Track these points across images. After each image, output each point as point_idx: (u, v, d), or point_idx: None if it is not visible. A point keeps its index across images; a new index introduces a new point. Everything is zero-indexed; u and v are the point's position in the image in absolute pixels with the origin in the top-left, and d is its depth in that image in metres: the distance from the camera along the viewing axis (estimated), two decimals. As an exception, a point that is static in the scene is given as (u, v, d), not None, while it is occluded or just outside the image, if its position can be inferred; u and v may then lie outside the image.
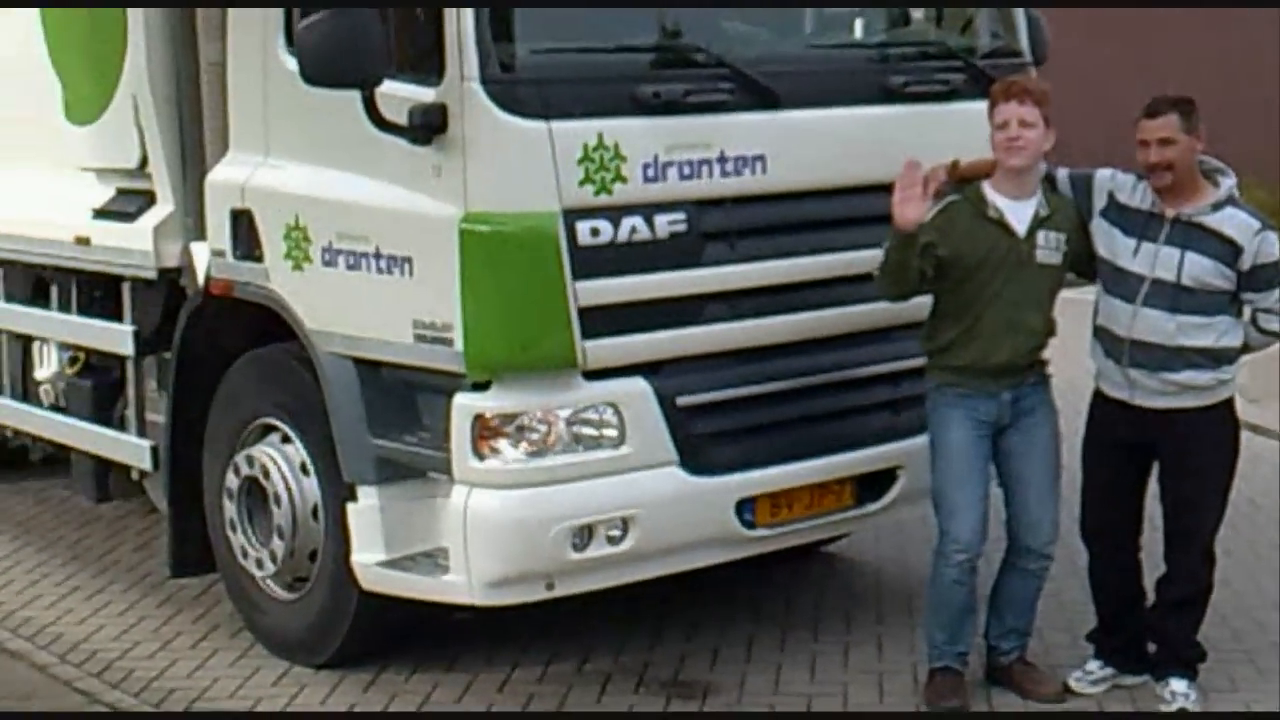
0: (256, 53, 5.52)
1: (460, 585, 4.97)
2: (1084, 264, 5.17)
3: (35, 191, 6.96)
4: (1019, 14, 5.98)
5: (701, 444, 5.13)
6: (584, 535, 4.95)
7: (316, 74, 4.84)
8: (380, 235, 5.10)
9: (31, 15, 6.79)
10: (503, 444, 4.86)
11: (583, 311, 4.86)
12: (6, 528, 7.49)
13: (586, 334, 4.87)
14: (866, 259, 5.15)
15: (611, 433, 4.95)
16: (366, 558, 5.17)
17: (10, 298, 7.26)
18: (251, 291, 5.56)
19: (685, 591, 5.90)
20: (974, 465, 5.09)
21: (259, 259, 5.52)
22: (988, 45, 5.99)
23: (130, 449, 6.36)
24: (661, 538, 5.09)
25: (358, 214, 5.18)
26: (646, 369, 5.05)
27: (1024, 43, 5.97)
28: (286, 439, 5.53)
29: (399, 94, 4.89)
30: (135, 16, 6.04)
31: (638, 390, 5.01)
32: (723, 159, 5.12)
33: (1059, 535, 5.25)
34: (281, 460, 5.50)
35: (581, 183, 4.86)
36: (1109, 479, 5.22)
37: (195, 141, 5.99)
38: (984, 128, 5.06)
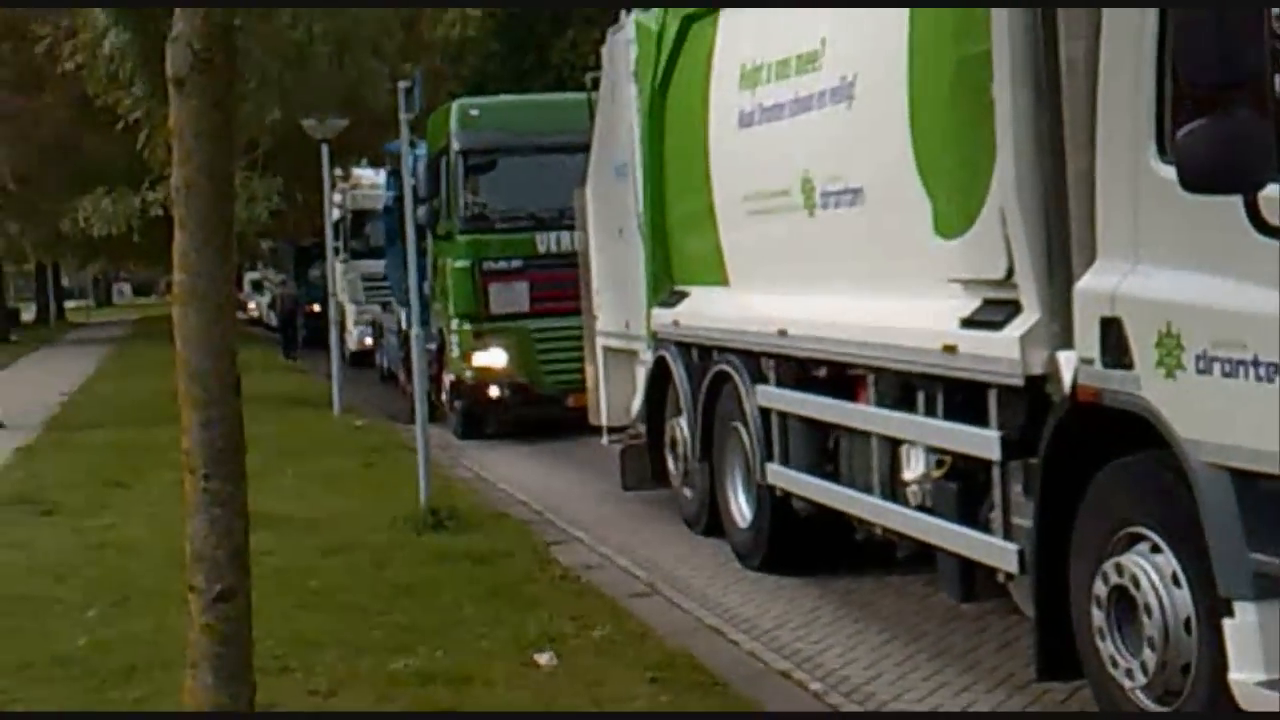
0: (1127, 161, 5.55)
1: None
2: None
3: (904, 302, 7.38)
4: None
5: None
6: None
7: (1197, 181, 4.80)
8: (1259, 342, 4.92)
9: (903, 140, 7.24)
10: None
11: None
12: (874, 621, 7.92)
13: None
14: None
15: None
16: (1245, 676, 4.96)
17: (881, 402, 7.72)
18: (1120, 399, 5.55)
19: None
20: None
21: (1129, 366, 5.50)
22: None
23: (996, 551, 6.52)
24: None
25: (1235, 320, 5.03)
26: None
27: None
28: (1156, 549, 5.44)
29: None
30: (1004, 132, 6.27)
31: None
32: None
33: None
34: (1152, 570, 5.42)
35: None
36: None
37: (1061, 250, 6.11)
38: None
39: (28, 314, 59.51)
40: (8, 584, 9.18)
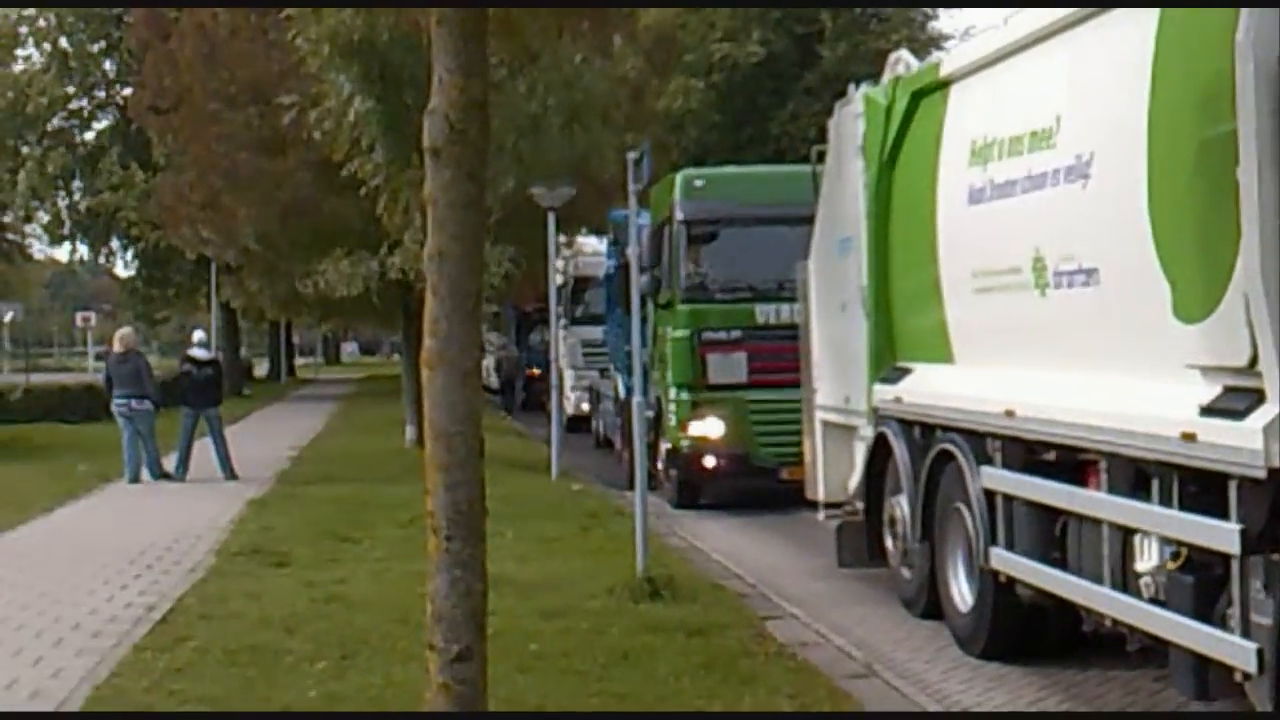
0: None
1: None
2: None
3: (1139, 387, 7.20)
4: None
5: None
6: None
7: None
8: None
9: (1141, 221, 7.08)
10: None
11: None
12: (1100, 716, 7.69)
13: None
14: None
15: None
16: None
17: (1113, 489, 7.53)
18: (1372, 497, 5.34)
19: None
20: None
21: (1381, 463, 5.29)
22: None
23: (1233, 649, 6.29)
24: None
25: None
26: None
27: None
28: None
29: None
30: (1250, 215, 6.11)
31: None
32: None
33: None
34: None
35: None
36: None
37: (1309, 340, 5.92)
38: None
39: (260, 369, 61.78)
40: (240, 634, 9.48)
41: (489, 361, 36.53)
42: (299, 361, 72.43)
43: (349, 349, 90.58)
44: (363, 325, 45.97)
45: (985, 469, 8.85)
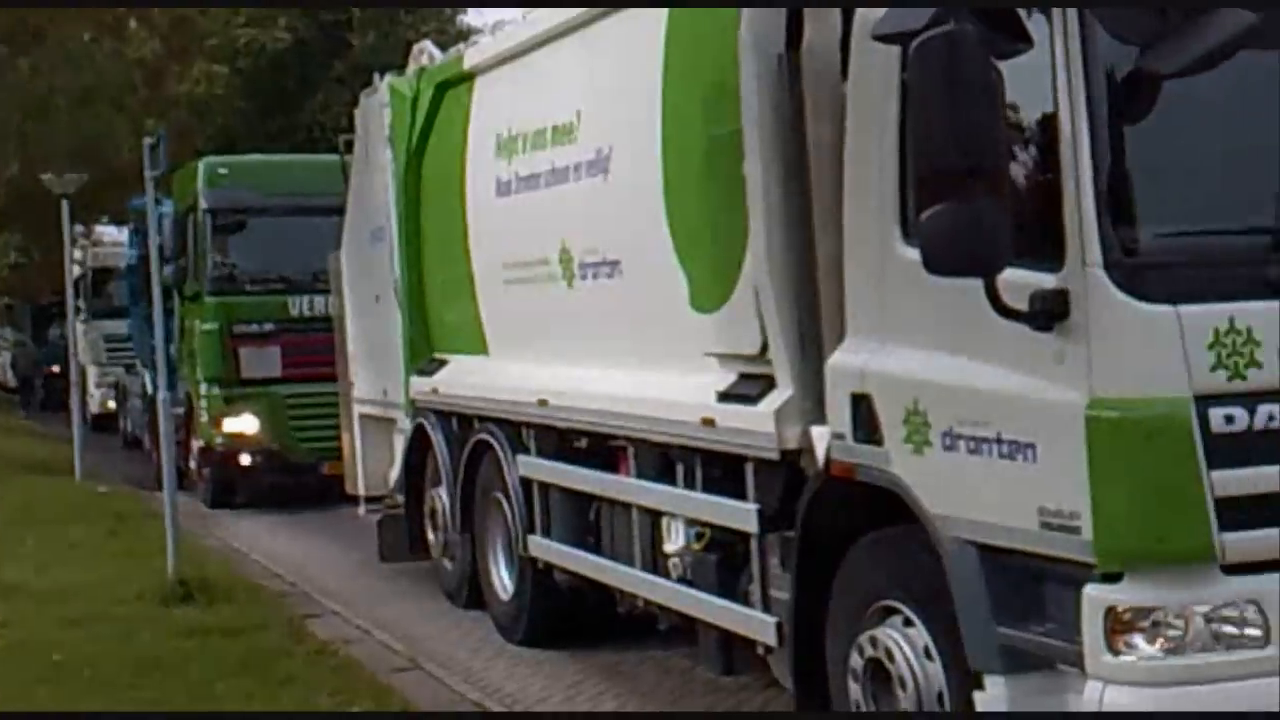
0: (874, 244, 5.70)
1: (1095, 786, 4.81)
2: None
3: (663, 376, 7.45)
4: None
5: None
6: (1227, 740, 4.69)
7: (940, 264, 4.91)
8: (1001, 420, 5.09)
9: (658, 214, 7.32)
10: (1137, 639, 4.69)
11: (1220, 502, 4.66)
12: (635, 696, 7.94)
13: (1224, 526, 4.66)
14: None
15: (1255, 632, 4.68)
16: (996, 748, 5.10)
17: (641, 474, 7.76)
18: (872, 474, 5.68)
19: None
20: None
21: (879, 442, 5.62)
22: None
23: (755, 624, 6.58)
24: (1316, 745, 4.75)
25: (978, 399, 5.19)
26: (1290, 564, 4.77)
27: None
28: (909, 622, 5.56)
29: (1019, 281, 4.87)
30: (756, 210, 6.38)
31: (1284, 587, 4.73)
32: (1370, 338, 4.82)
33: None
34: (905, 644, 5.54)
35: (1213, 368, 4.69)
36: None
37: (813, 327, 6.24)
38: None
39: None
40: None
41: (4, 358, 34.34)
42: None
43: None
44: None
45: (521, 457, 8.97)
